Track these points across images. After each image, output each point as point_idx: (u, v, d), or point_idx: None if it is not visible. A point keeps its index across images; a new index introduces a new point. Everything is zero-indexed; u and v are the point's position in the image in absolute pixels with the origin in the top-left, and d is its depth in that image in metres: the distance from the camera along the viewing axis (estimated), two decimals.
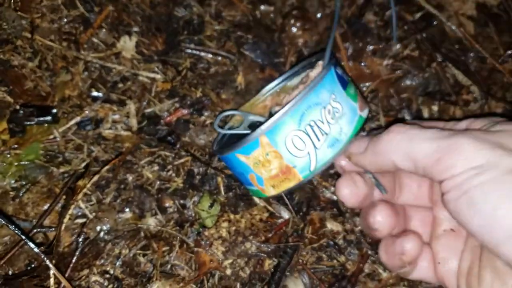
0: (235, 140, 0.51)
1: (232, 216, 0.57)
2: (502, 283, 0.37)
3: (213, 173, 0.60)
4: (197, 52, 0.67)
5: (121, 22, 0.66)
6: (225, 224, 0.56)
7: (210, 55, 0.67)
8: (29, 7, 0.65)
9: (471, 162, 0.35)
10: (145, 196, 0.58)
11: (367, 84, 0.67)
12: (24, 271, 0.53)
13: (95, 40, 0.65)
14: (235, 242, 0.55)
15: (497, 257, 0.35)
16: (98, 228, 0.56)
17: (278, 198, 0.59)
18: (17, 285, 0.50)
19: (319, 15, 0.70)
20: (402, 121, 0.65)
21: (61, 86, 0.63)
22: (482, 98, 0.66)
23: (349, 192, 0.44)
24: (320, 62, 0.48)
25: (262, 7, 0.71)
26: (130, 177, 0.59)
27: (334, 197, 0.60)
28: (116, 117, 0.62)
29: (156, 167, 0.60)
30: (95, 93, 0.63)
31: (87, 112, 0.62)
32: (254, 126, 0.52)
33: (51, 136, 0.60)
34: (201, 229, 0.56)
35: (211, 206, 0.57)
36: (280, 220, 0.58)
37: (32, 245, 0.50)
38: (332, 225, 0.58)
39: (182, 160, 0.60)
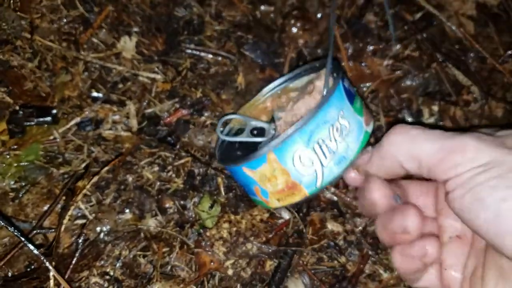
0: (237, 145, 0.51)
1: (232, 217, 0.57)
2: (506, 282, 0.37)
3: (213, 174, 0.60)
4: (197, 53, 0.67)
5: (121, 22, 0.66)
6: (226, 225, 0.56)
7: (210, 56, 0.67)
8: (29, 7, 0.64)
9: (476, 160, 0.36)
10: (145, 197, 0.58)
11: (367, 84, 0.67)
12: (23, 273, 0.52)
13: (95, 40, 0.65)
14: (236, 243, 0.55)
15: (502, 253, 0.35)
16: (98, 229, 0.56)
17: None
18: (16, 287, 0.50)
19: (319, 15, 0.70)
20: (402, 121, 0.65)
21: (61, 86, 0.62)
22: (482, 98, 0.66)
23: (380, 194, 0.43)
24: (327, 72, 0.48)
25: (262, 7, 0.71)
26: (130, 178, 0.59)
27: (335, 198, 0.60)
28: (116, 117, 0.62)
29: (156, 168, 0.60)
30: (95, 94, 0.63)
31: (87, 112, 0.62)
32: (257, 131, 0.52)
33: (51, 137, 0.60)
34: (201, 230, 0.56)
35: (211, 207, 0.57)
36: (280, 221, 0.58)
37: (31, 247, 0.50)
38: (332, 226, 0.58)
39: (182, 161, 0.60)
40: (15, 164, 0.58)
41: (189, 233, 0.56)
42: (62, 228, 0.54)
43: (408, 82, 0.67)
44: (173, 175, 0.60)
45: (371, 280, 0.56)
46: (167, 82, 0.65)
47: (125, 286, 0.53)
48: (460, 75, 0.68)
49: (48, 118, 0.60)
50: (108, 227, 0.56)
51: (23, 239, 0.50)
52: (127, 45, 0.65)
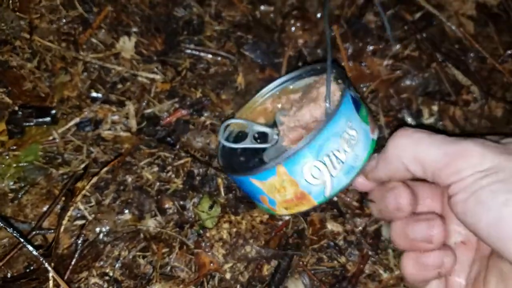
0: (239, 150, 0.51)
1: (233, 217, 0.57)
2: (507, 285, 0.37)
3: (213, 174, 0.59)
4: (197, 53, 0.67)
5: (120, 23, 0.66)
6: (226, 226, 0.56)
7: (210, 56, 0.67)
8: (28, 7, 0.64)
9: (479, 166, 0.36)
10: (145, 198, 0.58)
11: (367, 84, 0.67)
12: (23, 274, 0.52)
13: (94, 40, 0.65)
14: (236, 245, 0.55)
15: (503, 257, 0.35)
16: (98, 229, 0.55)
17: None
18: (15, 287, 0.50)
19: (319, 15, 0.70)
20: (402, 121, 0.65)
21: (60, 87, 0.62)
22: (482, 98, 0.66)
23: (406, 200, 0.43)
24: (330, 78, 0.48)
25: (262, 7, 0.71)
26: (129, 178, 0.59)
27: (335, 198, 0.60)
28: (116, 118, 0.62)
29: (155, 168, 0.60)
30: (94, 94, 0.63)
31: (86, 113, 0.62)
32: (259, 135, 0.52)
33: (50, 137, 0.60)
34: (201, 231, 0.56)
35: (211, 207, 0.57)
36: (280, 222, 0.58)
37: (30, 247, 0.50)
38: (332, 226, 0.58)
39: (182, 161, 0.60)
40: (14, 165, 0.58)
41: (188, 233, 0.56)
42: (62, 229, 0.54)
43: (408, 82, 0.67)
44: (173, 176, 0.60)
45: (371, 280, 0.56)
46: (166, 82, 0.64)
47: (124, 287, 0.53)
48: (459, 75, 0.68)
49: (47, 119, 0.60)
50: (108, 227, 0.56)
51: (22, 240, 0.50)
52: (126, 45, 0.65)
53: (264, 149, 0.50)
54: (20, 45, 0.63)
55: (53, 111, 0.60)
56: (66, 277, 0.51)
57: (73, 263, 0.52)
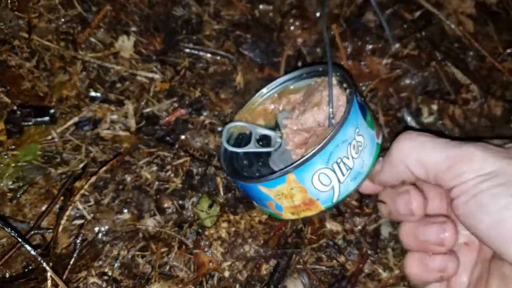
0: (242, 153, 0.51)
1: (232, 217, 0.57)
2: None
3: (212, 174, 0.59)
4: (196, 52, 0.67)
5: (119, 22, 0.66)
6: (224, 225, 0.56)
7: (209, 55, 0.67)
8: (26, 6, 0.64)
9: (481, 169, 0.37)
10: (144, 197, 0.58)
11: (366, 83, 0.67)
12: (21, 274, 0.52)
13: (93, 40, 0.65)
14: (234, 243, 0.55)
15: (504, 259, 0.36)
16: (96, 229, 0.55)
17: None
18: (14, 287, 0.50)
19: (318, 14, 0.70)
20: (402, 120, 0.65)
21: (58, 86, 0.62)
22: (481, 97, 0.66)
23: (419, 204, 0.43)
24: (334, 82, 0.48)
25: (261, 6, 0.71)
26: (128, 178, 0.59)
27: None
28: (114, 117, 0.62)
29: (154, 168, 0.60)
30: (93, 93, 0.63)
31: (85, 112, 0.61)
32: (261, 137, 0.52)
33: (49, 137, 0.60)
34: (200, 230, 0.56)
35: (210, 207, 0.57)
36: (279, 222, 0.58)
37: (28, 247, 0.50)
38: (331, 225, 0.58)
39: (181, 161, 0.60)
40: (13, 164, 0.58)
41: (187, 233, 0.56)
42: (60, 229, 0.54)
43: (407, 81, 0.67)
44: (172, 175, 0.59)
45: (370, 280, 0.56)
46: (165, 81, 0.64)
47: (123, 286, 0.53)
48: (459, 73, 0.68)
49: (46, 118, 0.60)
50: (106, 227, 0.56)
51: (20, 239, 0.50)
52: (125, 44, 0.65)
53: (267, 152, 0.50)
54: (19, 45, 0.63)
55: (52, 111, 0.60)
56: (64, 277, 0.51)
57: (71, 262, 0.52)
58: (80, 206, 0.56)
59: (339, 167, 0.43)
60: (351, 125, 0.43)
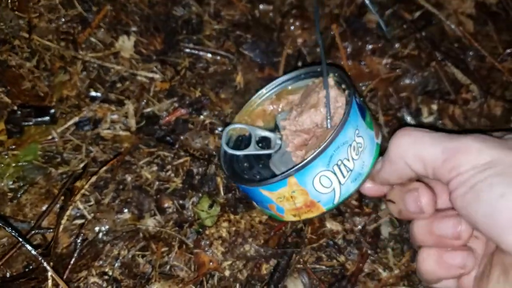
0: (242, 155, 0.51)
1: (232, 216, 0.57)
2: (507, 277, 0.37)
3: (212, 174, 0.59)
4: (196, 52, 0.67)
5: (119, 22, 0.66)
6: (225, 224, 0.56)
7: (209, 55, 0.67)
8: (27, 6, 0.64)
9: (477, 160, 0.36)
10: (144, 197, 0.58)
11: (366, 83, 0.67)
12: (22, 273, 0.52)
13: (93, 39, 0.65)
14: (235, 243, 0.55)
15: (502, 248, 0.36)
16: (97, 229, 0.55)
17: None
18: (14, 287, 0.50)
19: (319, 13, 0.70)
20: (402, 120, 0.65)
21: (59, 86, 0.62)
22: (481, 97, 0.66)
23: (428, 200, 0.43)
24: (332, 83, 0.48)
25: (261, 7, 0.71)
26: (128, 178, 0.59)
27: None
28: (115, 117, 0.62)
29: (155, 167, 0.60)
30: (93, 93, 0.63)
31: (85, 112, 0.61)
32: (261, 139, 0.52)
33: (49, 137, 0.60)
34: (200, 230, 0.56)
35: (210, 206, 0.57)
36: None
37: (29, 247, 0.50)
38: (331, 225, 0.58)
39: (181, 160, 0.60)
40: (14, 164, 0.58)
41: (188, 232, 0.56)
42: (61, 228, 0.54)
43: (407, 81, 0.67)
44: (172, 175, 0.59)
45: (370, 279, 0.56)
46: (165, 81, 0.64)
47: (123, 286, 0.53)
48: (459, 73, 0.68)
49: (46, 118, 0.60)
50: (107, 227, 0.56)
51: (21, 239, 0.50)
52: (126, 44, 0.65)
53: (267, 154, 0.50)
54: (19, 45, 0.63)
55: (52, 111, 0.60)
56: (65, 277, 0.51)
57: (72, 262, 0.52)
58: (81, 206, 0.56)
59: (339, 169, 0.43)
60: (351, 127, 0.43)
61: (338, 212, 0.59)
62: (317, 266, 0.56)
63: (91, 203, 0.57)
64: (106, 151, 0.60)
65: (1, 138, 0.59)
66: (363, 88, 0.67)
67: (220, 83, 0.65)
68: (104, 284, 0.53)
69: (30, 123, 0.60)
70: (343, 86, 0.49)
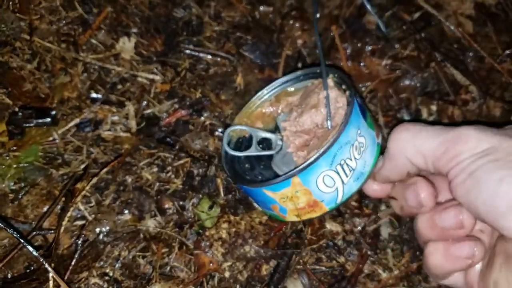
0: (243, 156, 0.51)
1: (232, 218, 0.57)
2: (509, 266, 0.37)
3: (212, 175, 0.60)
4: (196, 53, 0.67)
5: (120, 23, 0.66)
6: (225, 225, 0.56)
7: (209, 56, 0.67)
8: (28, 8, 0.65)
9: (476, 148, 0.37)
10: (145, 198, 0.58)
11: (366, 84, 0.67)
12: (23, 274, 0.52)
13: (94, 41, 0.65)
14: (235, 244, 0.55)
15: (503, 234, 0.36)
16: (98, 230, 0.56)
17: None
18: None
19: (318, 16, 0.70)
20: (401, 121, 0.65)
21: (60, 87, 0.63)
22: (480, 98, 0.66)
23: (428, 193, 0.42)
24: (331, 84, 0.48)
25: (261, 8, 0.71)
26: (129, 179, 0.59)
27: None
28: (115, 118, 0.62)
29: (155, 169, 0.60)
30: (94, 95, 0.63)
31: (86, 113, 0.62)
32: (262, 140, 0.52)
33: (50, 138, 0.60)
34: (200, 231, 0.56)
35: (210, 207, 0.57)
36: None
37: (30, 248, 0.50)
38: (331, 226, 0.58)
39: (181, 161, 0.60)
40: (15, 166, 0.58)
41: (188, 233, 0.56)
42: (62, 229, 0.54)
43: (407, 82, 0.68)
44: (172, 176, 0.60)
45: (370, 280, 0.56)
46: (166, 82, 0.65)
47: (124, 287, 0.53)
48: (458, 74, 0.68)
49: (48, 119, 0.60)
50: (108, 228, 0.56)
51: (22, 240, 0.50)
52: (126, 46, 0.65)
53: (268, 155, 0.50)
54: (20, 46, 0.63)
55: (53, 112, 0.60)
56: (66, 278, 0.52)
57: (73, 263, 0.53)
58: (82, 207, 0.56)
59: (342, 168, 0.44)
60: (353, 127, 0.44)
61: (338, 213, 0.59)
62: (317, 267, 0.56)
63: (92, 204, 0.57)
64: (107, 152, 0.60)
65: (2, 140, 0.59)
66: (363, 89, 0.67)
67: (220, 84, 0.66)
68: (105, 285, 0.53)
69: (31, 124, 0.60)
70: (344, 86, 0.49)
